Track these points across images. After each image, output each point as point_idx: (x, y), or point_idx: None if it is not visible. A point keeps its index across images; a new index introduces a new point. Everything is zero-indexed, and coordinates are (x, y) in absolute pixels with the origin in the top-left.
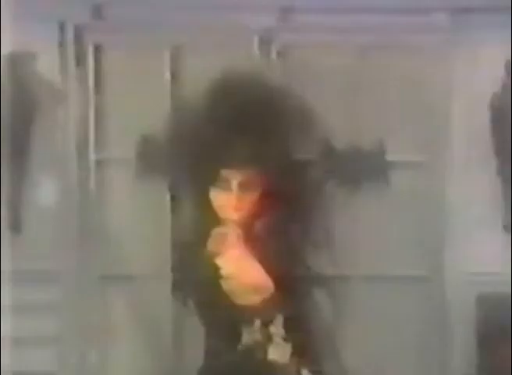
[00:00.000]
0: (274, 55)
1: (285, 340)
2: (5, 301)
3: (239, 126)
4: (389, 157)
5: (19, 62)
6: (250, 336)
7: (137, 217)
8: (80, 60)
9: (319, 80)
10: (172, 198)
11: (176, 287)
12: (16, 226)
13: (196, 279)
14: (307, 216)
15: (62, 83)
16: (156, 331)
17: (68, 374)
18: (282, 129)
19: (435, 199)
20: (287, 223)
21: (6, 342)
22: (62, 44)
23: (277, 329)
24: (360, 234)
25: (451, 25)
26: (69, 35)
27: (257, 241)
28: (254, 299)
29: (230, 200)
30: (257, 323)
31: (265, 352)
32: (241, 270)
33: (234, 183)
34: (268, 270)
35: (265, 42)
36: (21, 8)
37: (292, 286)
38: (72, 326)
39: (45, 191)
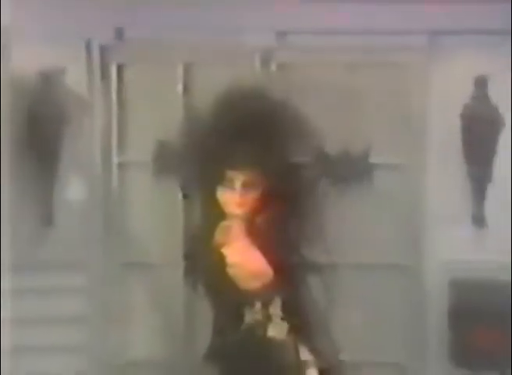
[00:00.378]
0: (273, 71)
1: (282, 319)
2: (39, 287)
3: (242, 133)
4: (373, 160)
5: (51, 77)
6: (251, 316)
7: (154, 212)
8: (104, 75)
9: (313, 93)
10: (184, 196)
11: (187, 273)
12: (49, 220)
13: (205, 266)
14: (302, 211)
15: (89, 96)
16: (170, 312)
17: (93, 349)
18: (281, 136)
19: (413, 197)
20: (285, 217)
21: (30, 322)
22: (88, 62)
23: (275, 310)
24: (349, 228)
25: (428, 45)
26: (95, 54)
27: (258, 233)
28: (256, 284)
29: (234, 197)
30: (258, 304)
31: (265, 330)
32: (244, 259)
33: (237, 183)
34: (268, 259)
35: (265, 60)
36: (53, 29)
37: (289, 272)
38: (97, 307)
39: (74, 190)
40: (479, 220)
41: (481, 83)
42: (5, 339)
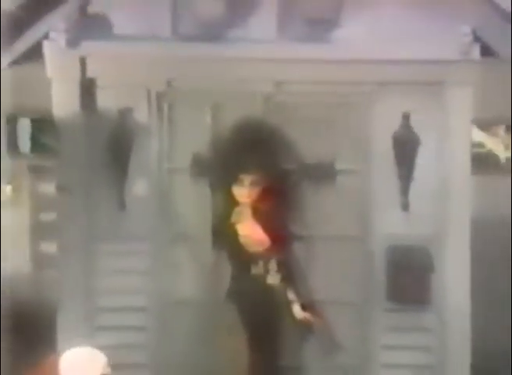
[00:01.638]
0: (271, 108)
1: (277, 272)
2: (116, 250)
3: (250, 149)
4: (337, 167)
5: (124, 113)
6: (256, 270)
7: (191, 201)
8: (159, 111)
9: (298, 123)
10: (212, 191)
11: (214, 241)
12: (122, 206)
13: (225, 237)
14: (289, 201)
15: (149, 125)
16: (203, 267)
17: (153, 292)
18: (275, 151)
19: (364, 191)
20: (278, 205)
21: (109, 274)
22: (149, 103)
23: (272, 266)
24: (321, 212)
25: (374, 91)
26: (153, 97)
27: (260, 216)
28: (259, 249)
29: (244, 192)
30: (261, 262)
31: (265, 279)
32: (251, 232)
33: (247, 182)
34: (267, 232)
35: (266, 101)
36: (126, 81)
37: (281, 241)
38: (155, 264)
39: (139, 186)
40: (405, 206)
41: (406, 117)
42: (95, 285)
